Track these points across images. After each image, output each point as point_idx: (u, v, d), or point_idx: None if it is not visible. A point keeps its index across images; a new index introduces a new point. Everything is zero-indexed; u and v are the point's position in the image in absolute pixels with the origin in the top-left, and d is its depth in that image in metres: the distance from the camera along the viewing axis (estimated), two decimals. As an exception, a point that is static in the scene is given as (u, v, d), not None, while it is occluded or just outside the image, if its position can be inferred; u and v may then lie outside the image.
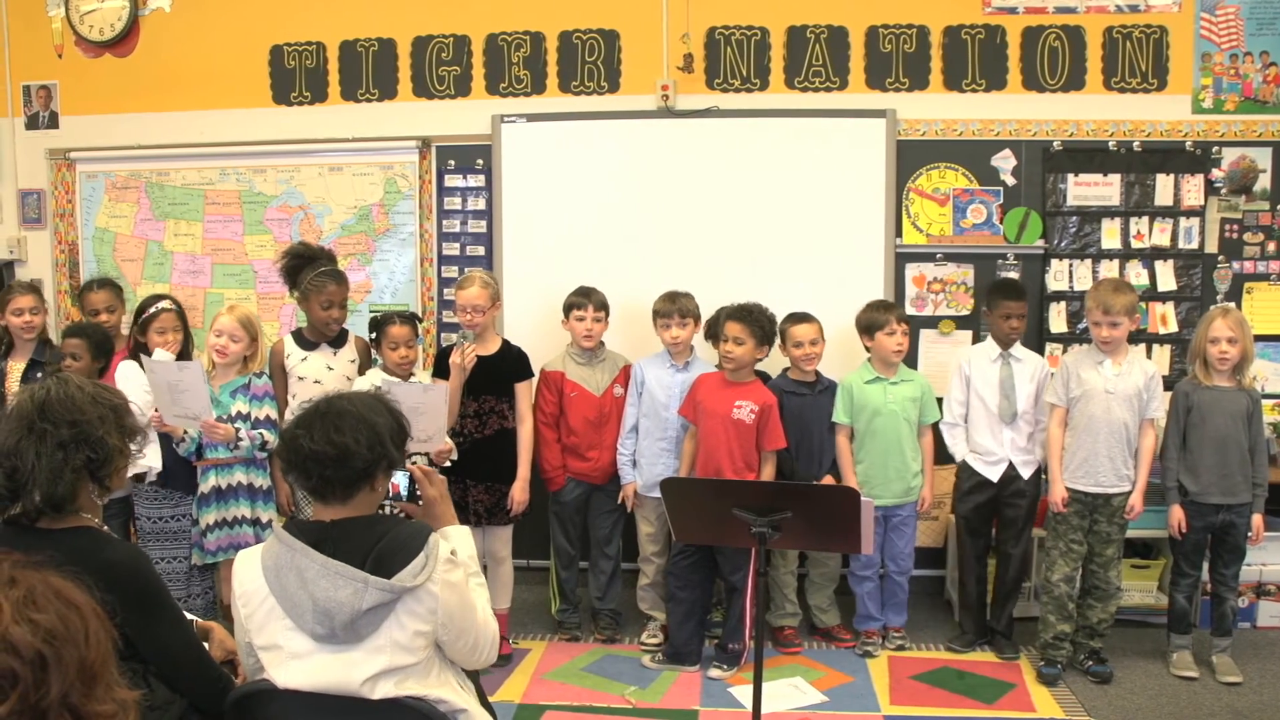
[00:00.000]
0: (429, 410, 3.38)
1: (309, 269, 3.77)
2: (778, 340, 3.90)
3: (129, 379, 3.58)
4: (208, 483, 3.56)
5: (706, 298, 3.99)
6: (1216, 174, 4.38)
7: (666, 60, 4.49)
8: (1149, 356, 4.31)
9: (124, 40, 4.83)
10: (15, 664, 1.10)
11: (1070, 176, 4.42)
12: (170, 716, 1.93)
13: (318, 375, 3.77)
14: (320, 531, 1.88)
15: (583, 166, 4.55)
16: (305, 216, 4.76)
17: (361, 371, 3.83)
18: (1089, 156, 4.42)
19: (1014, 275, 4.37)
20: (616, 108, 4.56)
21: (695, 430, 3.84)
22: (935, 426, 3.98)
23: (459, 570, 1.92)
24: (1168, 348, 4.41)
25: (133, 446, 2.01)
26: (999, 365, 3.86)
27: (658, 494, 3.62)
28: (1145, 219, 4.42)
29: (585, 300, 3.95)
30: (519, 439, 3.87)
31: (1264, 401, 3.89)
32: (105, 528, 1.99)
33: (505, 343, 3.94)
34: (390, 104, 4.70)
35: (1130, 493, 3.65)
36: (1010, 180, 4.44)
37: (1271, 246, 4.40)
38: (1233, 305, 4.09)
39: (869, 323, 3.91)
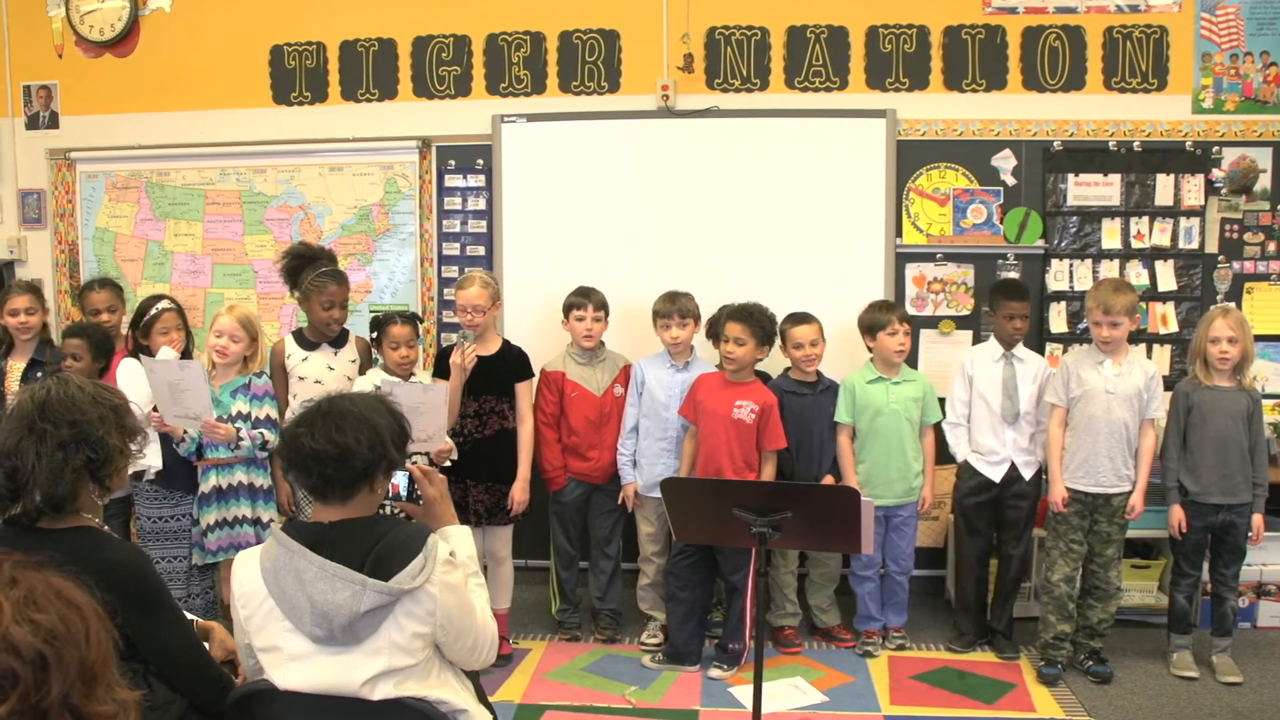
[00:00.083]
0: (429, 410, 3.38)
1: (310, 269, 3.78)
2: (778, 340, 3.90)
3: (131, 377, 3.58)
4: (208, 482, 3.56)
5: (706, 298, 3.99)
6: (1217, 174, 4.38)
7: (667, 60, 4.50)
8: (1149, 356, 4.31)
9: (124, 40, 4.83)
10: (16, 664, 1.10)
11: (1070, 176, 4.42)
12: (170, 716, 1.93)
13: (318, 375, 3.77)
14: (319, 533, 1.88)
15: (583, 166, 4.55)
16: (305, 216, 4.76)
17: (362, 371, 3.83)
18: (1089, 156, 4.42)
19: (1014, 275, 4.37)
20: (616, 108, 4.56)
21: (695, 430, 3.84)
22: (937, 427, 3.98)
23: (458, 572, 1.92)
24: (1168, 348, 4.41)
25: (133, 446, 2.02)
26: (1002, 365, 3.86)
27: (658, 494, 3.62)
28: (1145, 219, 4.42)
29: (585, 300, 3.95)
30: (519, 439, 3.87)
31: (1264, 401, 3.89)
32: (106, 528, 1.99)
33: (506, 343, 3.94)
34: (390, 104, 4.70)
35: (1130, 493, 3.65)
36: (1010, 180, 4.44)
37: (1272, 246, 4.40)
38: (1233, 305, 4.09)
39: (871, 323, 3.91)
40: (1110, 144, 4.40)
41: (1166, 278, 4.41)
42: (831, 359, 4.02)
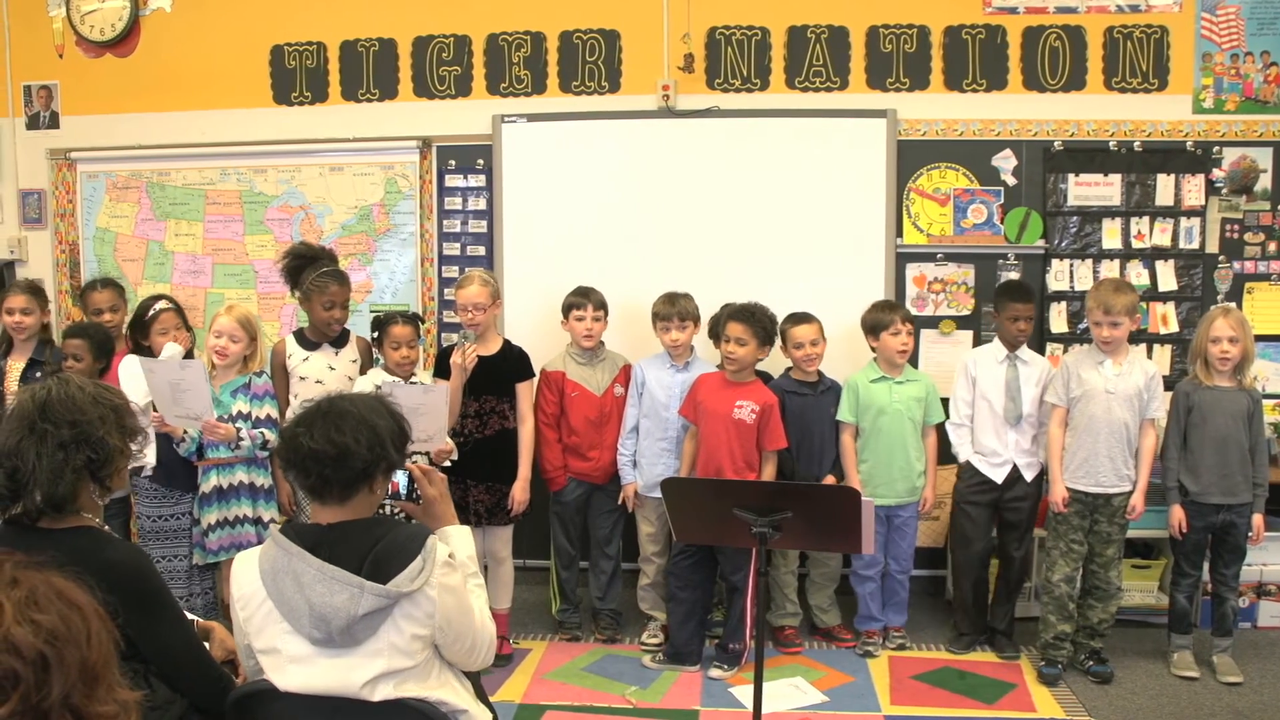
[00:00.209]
0: (430, 411, 3.38)
1: (310, 269, 3.78)
2: (778, 340, 3.90)
3: (132, 375, 3.58)
4: (209, 482, 3.56)
5: (706, 298, 3.99)
6: (1217, 174, 4.38)
7: (667, 60, 4.50)
8: (1150, 356, 4.31)
9: (125, 40, 4.84)
10: (17, 664, 1.10)
11: (1071, 176, 4.42)
12: (171, 716, 1.93)
13: (319, 375, 3.77)
14: (317, 535, 1.87)
15: (583, 166, 4.55)
16: (306, 216, 4.76)
17: (363, 371, 3.83)
18: (1090, 156, 4.42)
19: (1015, 275, 4.37)
20: (617, 108, 4.56)
21: (696, 430, 3.84)
22: (939, 427, 3.98)
23: (456, 574, 1.92)
24: (1168, 348, 4.41)
25: (133, 446, 2.02)
26: (1005, 367, 3.86)
27: (658, 494, 3.62)
28: (1146, 219, 4.42)
29: (584, 300, 3.95)
30: (520, 439, 3.87)
31: (1265, 401, 3.88)
32: (106, 527, 1.99)
33: (506, 343, 3.94)
34: (391, 104, 4.70)
35: (1131, 493, 3.65)
36: (1011, 180, 4.44)
37: (1272, 246, 4.40)
38: (1233, 305, 4.09)
39: (874, 323, 3.91)
40: (1111, 144, 4.39)
41: (1167, 278, 4.41)
42: (832, 359, 4.02)
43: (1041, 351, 4.23)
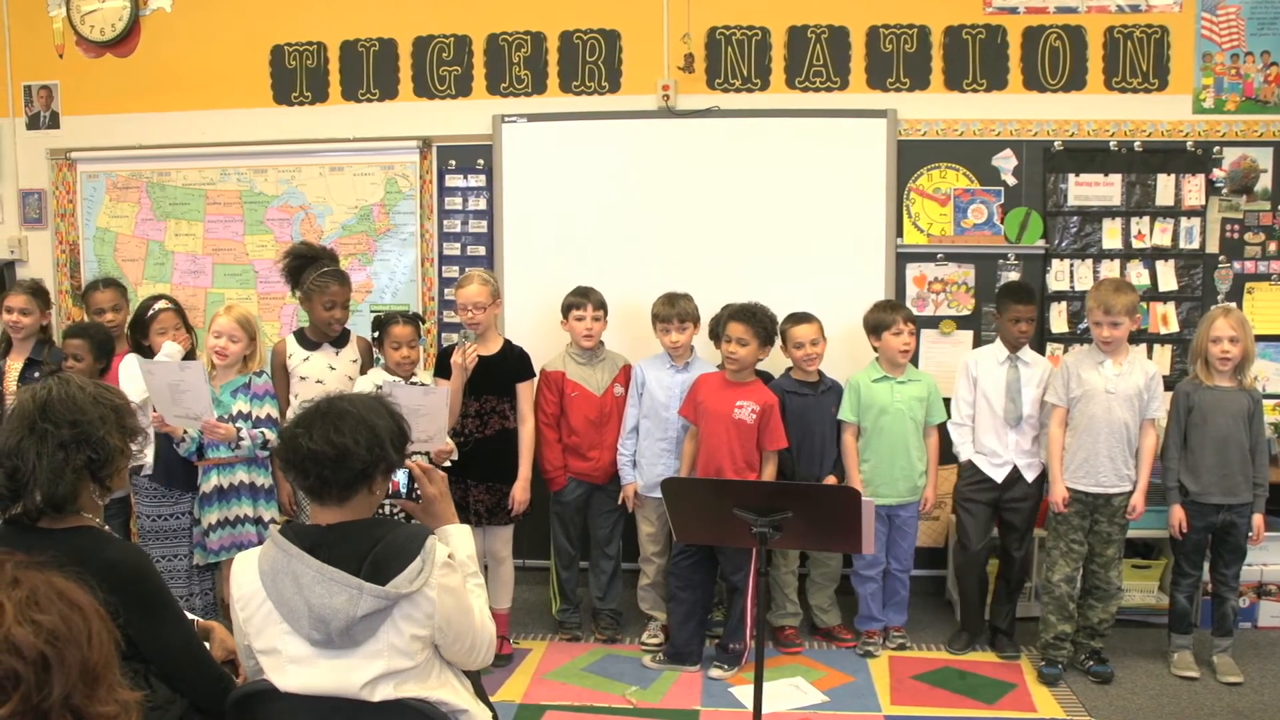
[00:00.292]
0: (430, 411, 3.38)
1: (311, 269, 3.78)
2: (778, 340, 3.90)
3: (132, 376, 3.58)
4: (210, 482, 3.56)
5: (706, 298, 3.99)
6: (1217, 174, 4.38)
7: (667, 60, 4.50)
8: (1150, 356, 4.31)
9: (125, 40, 4.84)
10: (17, 665, 1.10)
11: (1071, 176, 4.42)
12: (171, 716, 1.93)
13: (320, 375, 3.77)
14: (316, 536, 1.87)
15: (583, 166, 4.55)
16: (306, 216, 4.76)
17: (363, 371, 3.83)
18: (1090, 156, 4.42)
19: (1015, 275, 4.37)
20: (617, 108, 4.56)
21: (696, 430, 3.84)
22: (941, 427, 3.97)
23: (456, 574, 1.92)
24: (1169, 348, 4.41)
25: (134, 447, 2.02)
26: (1006, 368, 3.86)
27: (658, 494, 3.62)
28: (1146, 219, 4.42)
29: (584, 300, 3.95)
30: (520, 439, 3.87)
31: (1265, 401, 3.88)
32: (106, 527, 1.99)
33: (507, 343, 3.94)
34: (391, 104, 4.70)
35: (1131, 493, 3.65)
36: (1011, 180, 4.44)
37: (1272, 246, 4.40)
38: (1234, 305, 4.09)
39: (876, 323, 3.92)
40: (1111, 144, 4.39)
41: (1167, 278, 4.41)
42: (832, 359, 4.02)
43: (1042, 351, 4.23)
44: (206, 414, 3.42)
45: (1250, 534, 3.64)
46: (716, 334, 3.94)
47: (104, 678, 1.18)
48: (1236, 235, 4.40)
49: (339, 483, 1.88)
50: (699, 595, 3.81)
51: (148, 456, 3.56)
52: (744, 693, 3.54)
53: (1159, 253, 4.42)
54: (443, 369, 3.82)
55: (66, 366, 3.66)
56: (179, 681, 1.96)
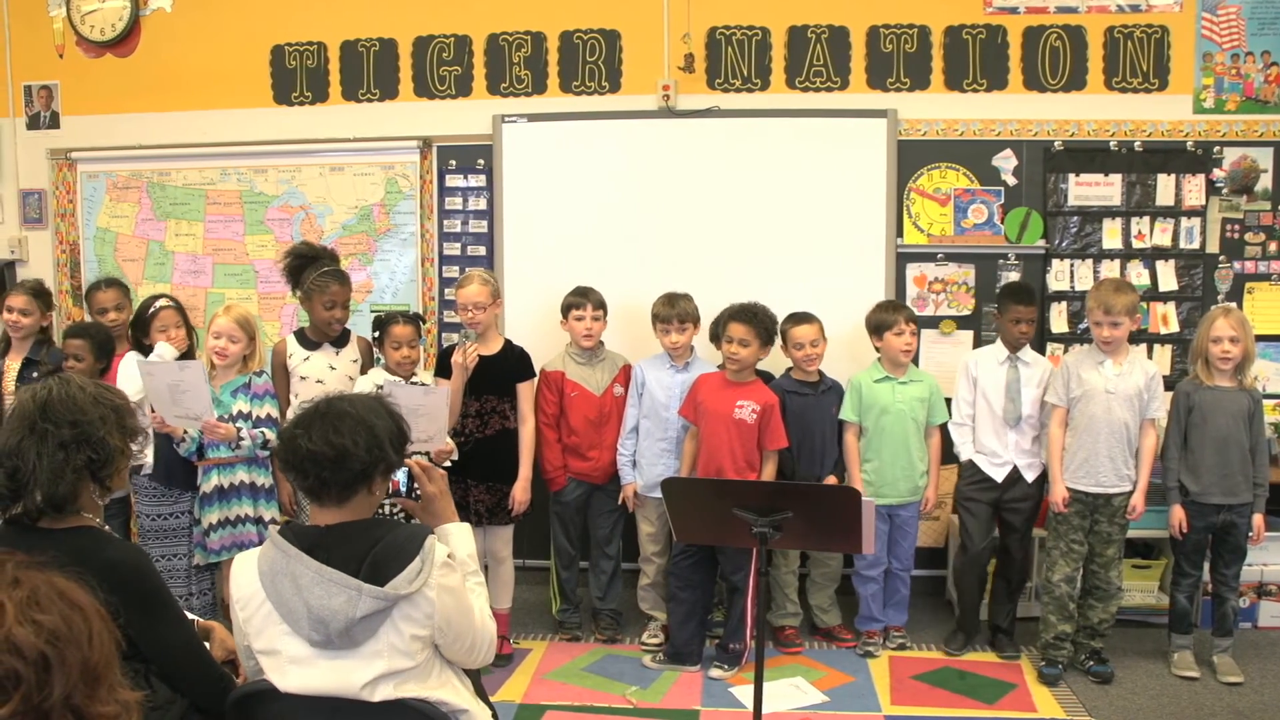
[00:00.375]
0: (430, 411, 3.38)
1: (312, 269, 3.78)
2: (778, 340, 3.90)
3: (130, 375, 3.58)
4: (210, 482, 3.56)
5: (707, 298, 3.98)
6: (1218, 174, 4.38)
7: (667, 60, 4.50)
8: (1150, 357, 4.31)
9: (125, 40, 4.84)
10: (18, 665, 1.10)
11: (1071, 176, 4.42)
12: (171, 716, 1.94)
13: (320, 375, 3.77)
14: (315, 537, 1.87)
15: (583, 166, 4.55)
16: (306, 216, 4.76)
17: (364, 371, 3.83)
18: (1090, 156, 4.41)
19: (1015, 275, 4.37)
20: (617, 108, 4.56)
21: (696, 430, 3.84)
22: (943, 427, 3.97)
23: (455, 574, 1.92)
24: (1169, 348, 4.41)
25: (134, 447, 2.02)
26: (1006, 368, 3.86)
27: (658, 494, 3.62)
28: (1146, 219, 4.42)
29: (583, 300, 3.95)
30: (521, 439, 3.87)
31: (1265, 401, 3.88)
32: (106, 527, 1.99)
33: (507, 343, 3.94)
34: (391, 104, 4.70)
35: (1131, 493, 3.65)
36: (1011, 180, 4.44)
37: (1273, 246, 4.40)
38: (1234, 305, 4.09)
39: (878, 323, 3.92)
40: (1111, 144, 4.39)
41: (1167, 278, 4.41)
42: (832, 359, 4.02)
43: (1042, 351, 4.23)
44: (206, 414, 3.42)
45: (1250, 534, 3.64)
46: (717, 335, 3.92)
47: (105, 678, 1.18)
48: (1237, 235, 4.40)
49: (338, 483, 1.87)
50: (699, 595, 3.81)
51: (148, 456, 3.56)
52: (744, 693, 3.54)
53: (1159, 253, 4.41)
54: (443, 369, 3.82)
55: (67, 366, 3.66)
56: (179, 681, 1.96)
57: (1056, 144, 4.41)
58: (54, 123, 4.95)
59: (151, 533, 3.64)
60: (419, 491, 2.16)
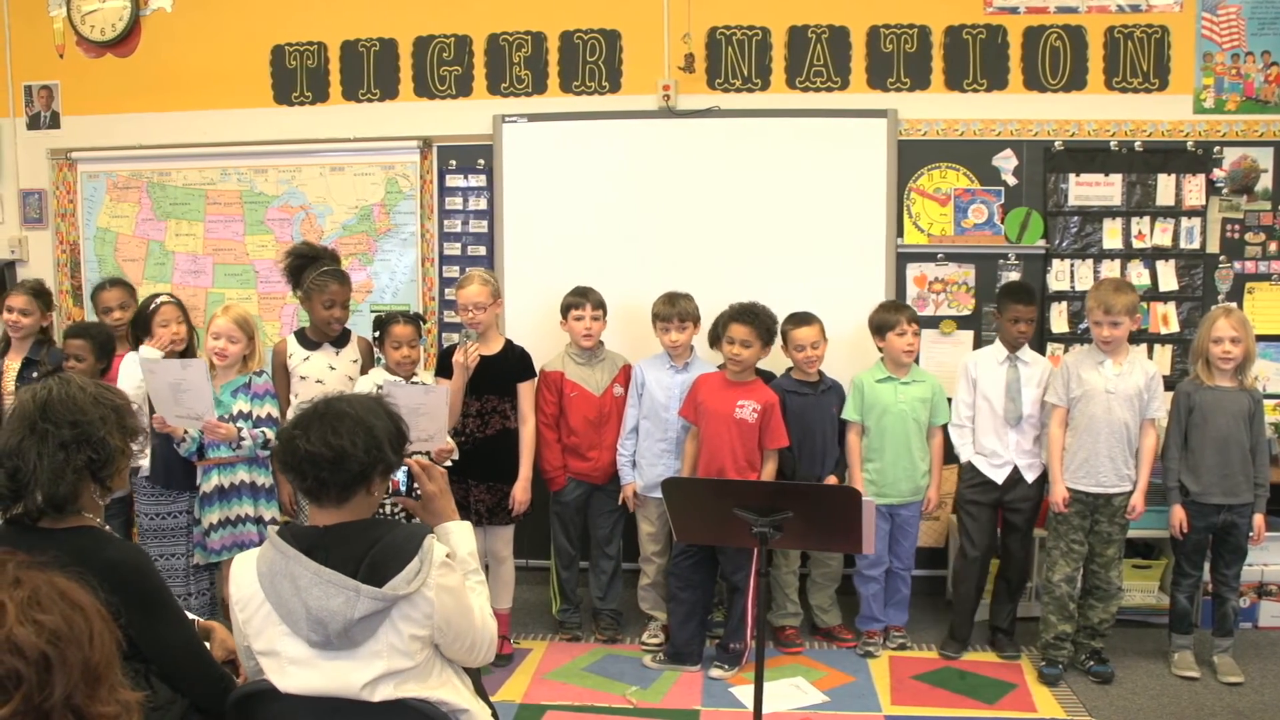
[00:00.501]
0: (430, 411, 3.38)
1: (312, 269, 3.78)
2: (778, 340, 3.90)
3: (130, 375, 3.59)
4: (210, 482, 3.56)
5: (707, 298, 3.98)
6: (1218, 174, 4.38)
7: (668, 60, 4.50)
8: (1150, 357, 4.31)
9: (125, 40, 4.84)
10: (19, 664, 1.10)
11: (1071, 176, 4.42)
12: (172, 716, 1.94)
13: (320, 375, 3.77)
14: (314, 538, 1.86)
15: (584, 166, 4.55)
16: (306, 216, 4.76)
17: (364, 371, 3.83)
18: (1090, 156, 4.41)
19: (1015, 275, 4.37)
20: (618, 108, 4.56)
21: (697, 430, 3.84)
22: (945, 428, 3.97)
23: (455, 574, 1.91)
24: (1169, 348, 4.41)
25: (134, 447, 2.02)
26: (1006, 368, 3.86)
27: (658, 494, 3.62)
28: (1147, 219, 4.41)
29: (583, 300, 3.95)
30: (521, 439, 3.87)
31: (1265, 401, 3.88)
32: (107, 527, 1.99)
33: (508, 343, 3.94)
34: (391, 104, 4.70)
35: (1131, 493, 3.65)
36: (1011, 180, 4.44)
37: (1273, 246, 4.40)
38: (1235, 305, 4.09)
39: (880, 323, 3.92)
40: (1111, 144, 4.39)
41: (1168, 278, 4.41)
42: (833, 358, 4.02)
43: (1042, 351, 4.23)
44: (208, 414, 3.42)
45: (1251, 534, 3.64)
46: (717, 336, 3.91)
47: (105, 678, 1.18)
48: (1237, 235, 4.40)
49: (337, 484, 1.87)
50: (699, 595, 3.81)
51: (144, 459, 3.55)
52: (744, 693, 3.54)
53: (1159, 253, 4.41)
54: (444, 369, 3.82)
55: (68, 366, 3.66)
56: (180, 681, 1.96)
57: (1057, 144, 4.41)
58: (54, 123, 4.95)
59: (150, 532, 3.64)
60: (419, 490, 2.16)
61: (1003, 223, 4.44)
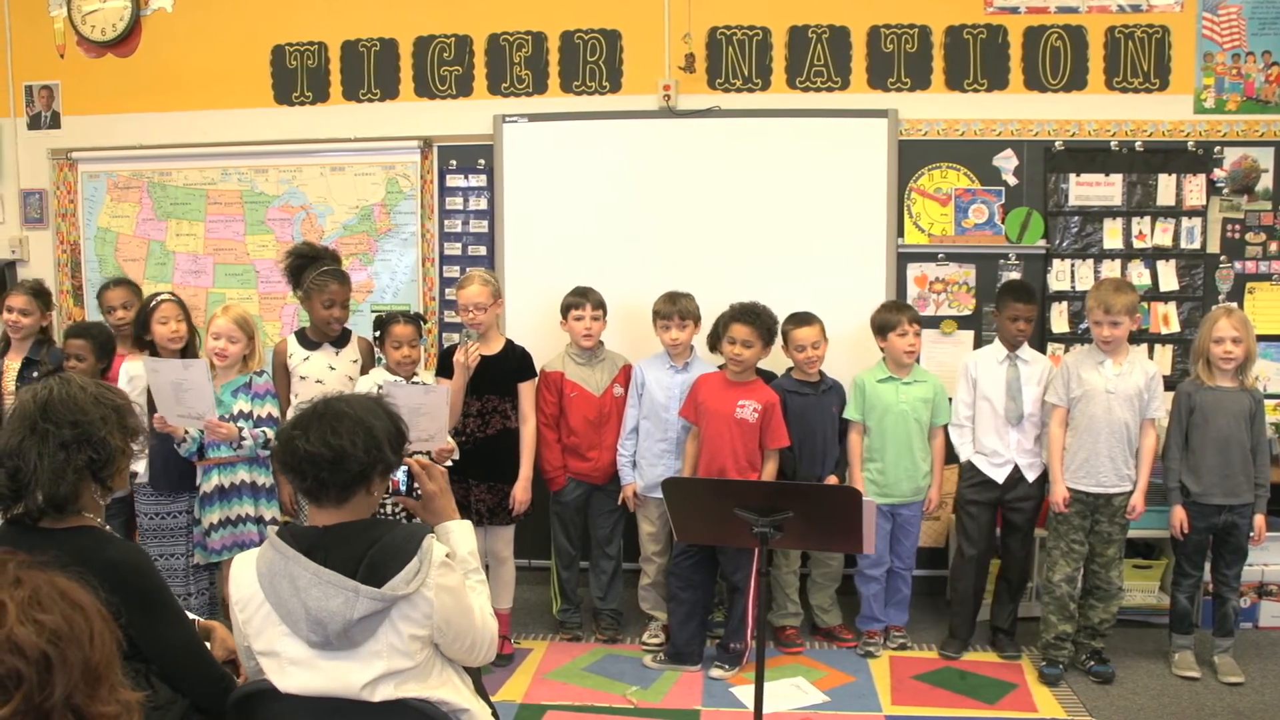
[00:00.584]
0: (431, 410, 3.38)
1: (312, 268, 3.78)
2: (778, 340, 3.90)
3: (130, 376, 3.58)
4: (211, 482, 3.56)
5: (707, 298, 3.99)
6: (1218, 174, 4.38)
7: (668, 60, 4.50)
8: (1151, 357, 4.31)
9: (126, 40, 4.84)
10: (19, 664, 1.10)
11: (1072, 176, 4.42)
12: (172, 716, 1.93)
13: (320, 375, 3.77)
14: (313, 538, 1.86)
15: (584, 166, 4.55)
16: (307, 216, 4.76)
17: (364, 371, 3.83)
18: (1091, 156, 4.41)
19: (1016, 275, 4.37)
20: (618, 108, 4.56)
21: (698, 430, 3.84)
22: (947, 428, 3.97)
23: (454, 573, 1.91)
24: (1170, 348, 4.41)
25: (135, 446, 2.02)
26: (1005, 367, 3.86)
27: (659, 494, 3.62)
28: (1147, 219, 4.41)
29: (583, 300, 3.95)
30: (522, 439, 3.87)
31: (1266, 402, 3.88)
32: (108, 527, 1.99)
33: (509, 342, 3.94)
34: (392, 104, 4.70)
35: (1131, 493, 3.65)
36: (1012, 180, 4.44)
37: (1273, 246, 4.40)
38: (1235, 305, 4.09)
39: (882, 323, 3.92)
40: (1112, 144, 4.39)
41: (1168, 278, 4.41)
42: (833, 358, 4.02)
43: (1042, 351, 4.23)
44: (209, 413, 3.42)
45: (1251, 534, 3.64)
46: (717, 338, 3.91)
47: (106, 678, 1.18)
48: (1237, 235, 4.40)
49: (336, 484, 1.87)
50: (700, 595, 3.81)
51: (140, 464, 3.54)
52: (745, 693, 3.54)
53: (1160, 253, 4.41)
54: (444, 368, 3.82)
55: (68, 366, 3.66)
56: (180, 681, 1.96)
57: (1057, 144, 4.41)
58: (55, 123, 4.95)
59: (150, 532, 3.64)
60: (419, 490, 2.16)
61: (1003, 223, 4.44)
